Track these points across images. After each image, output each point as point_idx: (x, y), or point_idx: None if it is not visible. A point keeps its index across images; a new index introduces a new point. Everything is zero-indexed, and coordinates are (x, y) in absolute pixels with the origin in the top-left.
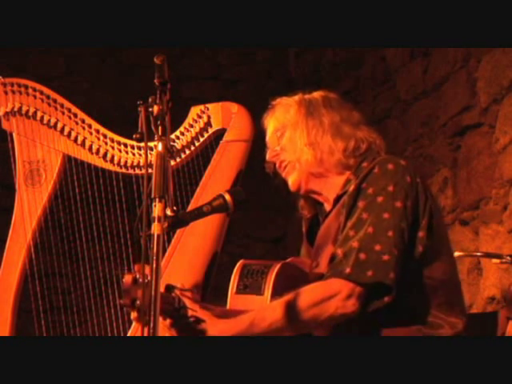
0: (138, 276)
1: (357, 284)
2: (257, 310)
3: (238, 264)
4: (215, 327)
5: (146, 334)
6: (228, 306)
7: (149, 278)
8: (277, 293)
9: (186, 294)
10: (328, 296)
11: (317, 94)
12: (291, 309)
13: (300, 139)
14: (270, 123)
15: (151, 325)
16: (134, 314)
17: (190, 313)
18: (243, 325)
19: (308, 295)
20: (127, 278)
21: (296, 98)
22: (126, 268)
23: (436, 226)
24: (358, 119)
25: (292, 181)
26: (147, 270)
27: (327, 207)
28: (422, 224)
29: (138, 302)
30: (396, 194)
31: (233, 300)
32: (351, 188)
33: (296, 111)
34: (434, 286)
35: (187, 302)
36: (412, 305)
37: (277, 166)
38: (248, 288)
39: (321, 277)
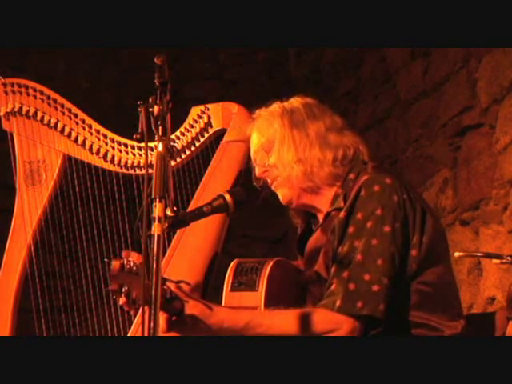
0: (125, 262)
1: (350, 317)
2: (256, 313)
3: (232, 263)
4: (213, 315)
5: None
6: (223, 304)
7: (137, 263)
8: (271, 288)
9: (177, 285)
10: (329, 329)
11: (296, 102)
12: (288, 326)
13: (288, 155)
14: (255, 138)
15: (151, 325)
16: (122, 300)
17: (184, 305)
18: (239, 322)
19: (309, 321)
20: (115, 264)
21: (277, 108)
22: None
23: (430, 235)
24: (341, 124)
25: (283, 196)
26: (135, 256)
27: (320, 218)
28: (413, 241)
29: (125, 288)
30: (384, 217)
31: (228, 298)
32: (341, 214)
33: (280, 124)
34: (427, 291)
35: (180, 294)
36: (406, 314)
37: (268, 181)
38: (242, 285)
39: (317, 274)
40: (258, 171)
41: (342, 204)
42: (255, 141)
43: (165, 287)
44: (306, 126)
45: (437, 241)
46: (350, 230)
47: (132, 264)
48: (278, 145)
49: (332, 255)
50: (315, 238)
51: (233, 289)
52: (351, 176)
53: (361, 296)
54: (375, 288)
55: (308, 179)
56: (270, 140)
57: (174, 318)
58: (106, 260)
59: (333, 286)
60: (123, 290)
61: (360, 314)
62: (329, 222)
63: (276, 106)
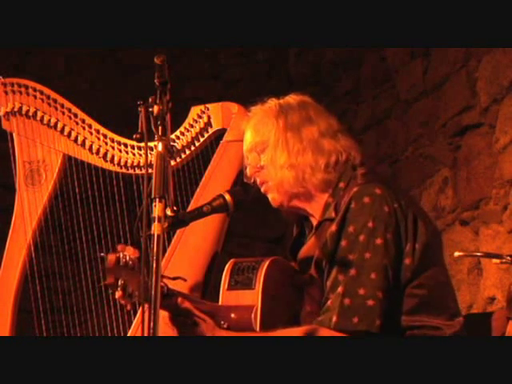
0: (121, 256)
1: (347, 333)
2: (256, 333)
3: (228, 263)
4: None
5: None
6: (220, 303)
7: (132, 258)
8: (268, 286)
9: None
10: None
11: (292, 100)
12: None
13: (281, 159)
14: (249, 136)
15: (151, 324)
16: (118, 294)
17: (179, 301)
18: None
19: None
20: (110, 258)
21: (272, 107)
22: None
23: (423, 242)
24: (336, 128)
25: (273, 199)
26: (130, 251)
27: (313, 222)
28: (406, 250)
29: (121, 282)
30: (376, 229)
31: (224, 297)
32: (333, 227)
33: (275, 126)
34: (421, 294)
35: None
36: (401, 319)
37: (258, 181)
38: (239, 284)
39: (312, 277)
40: (249, 171)
41: (333, 214)
42: (249, 139)
43: (161, 284)
44: (300, 130)
45: (430, 245)
46: (343, 243)
47: (128, 258)
48: (271, 147)
49: (324, 269)
50: (307, 247)
51: (229, 288)
52: (341, 185)
53: (356, 311)
54: (370, 303)
55: (299, 185)
56: (263, 141)
57: (171, 313)
58: (101, 255)
59: (329, 302)
60: (119, 283)
61: (356, 330)
62: (320, 231)
63: (272, 104)
